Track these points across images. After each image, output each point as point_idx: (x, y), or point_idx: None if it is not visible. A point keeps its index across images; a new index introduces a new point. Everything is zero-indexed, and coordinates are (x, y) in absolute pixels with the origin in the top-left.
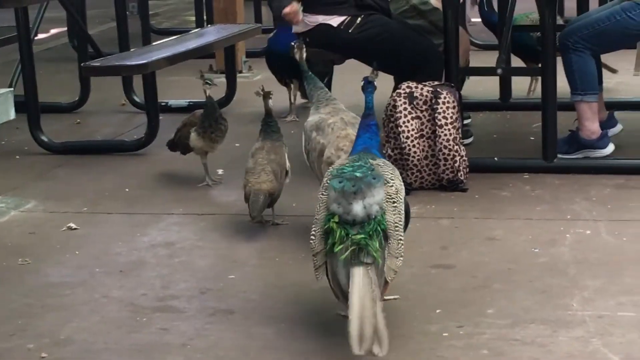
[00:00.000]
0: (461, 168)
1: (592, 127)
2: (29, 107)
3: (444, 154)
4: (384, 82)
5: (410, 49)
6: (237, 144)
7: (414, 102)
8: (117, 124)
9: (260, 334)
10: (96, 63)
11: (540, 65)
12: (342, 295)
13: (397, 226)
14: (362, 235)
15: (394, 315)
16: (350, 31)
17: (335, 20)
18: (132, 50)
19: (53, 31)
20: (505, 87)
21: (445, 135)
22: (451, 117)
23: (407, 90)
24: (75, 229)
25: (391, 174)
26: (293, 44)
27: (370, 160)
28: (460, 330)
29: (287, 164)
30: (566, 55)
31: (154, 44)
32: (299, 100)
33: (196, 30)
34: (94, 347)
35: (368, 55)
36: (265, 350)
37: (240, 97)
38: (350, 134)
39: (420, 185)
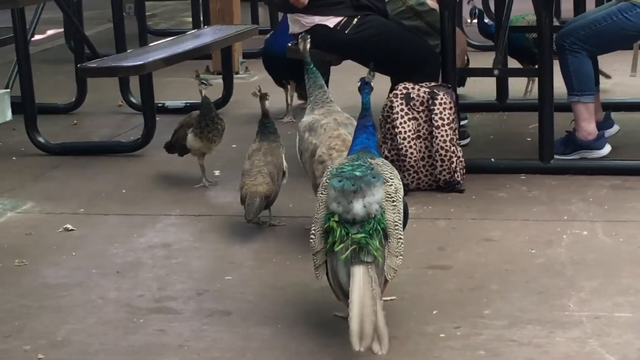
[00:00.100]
0: (458, 169)
1: (588, 128)
2: (26, 108)
3: (440, 155)
4: (381, 83)
5: (407, 50)
6: (233, 145)
7: (411, 103)
8: (113, 125)
9: (258, 335)
10: (93, 64)
11: (536, 66)
12: (342, 294)
13: (396, 225)
14: (362, 234)
15: (391, 316)
16: (346, 32)
17: (331, 21)
18: (128, 51)
19: (50, 32)
20: (502, 88)
21: (442, 136)
22: (448, 118)
23: (404, 91)
24: (72, 230)
25: (390, 173)
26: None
27: (369, 160)
28: (457, 331)
29: (284, 165)
30: (563, 56)
31: (150, 45)
32: (296, 101)
33: (193, 31)
34: (91, 349)
35: (365, 56)
36: (262, 351)
37: (237, 98)
38: (343, 134)
39: (417, 186)
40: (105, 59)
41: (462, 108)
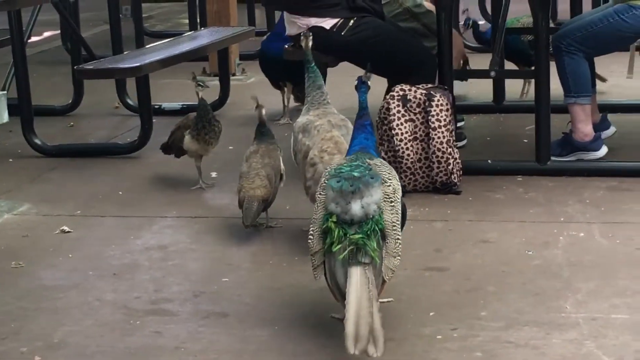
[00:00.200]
0: (455, 170)
1: (585, 129)
2: (22, 110)
3: (437, 156)
4: (377, 85)
5: (403, 52)
6: (230, 147)
7: (408, 105)
8: (110, 126)
9: (254, 337)
10: (89, 66)
11: (532, 67)
12: (340, 295)
13: (394, 225)
14: (360, 235)
15: (387, 318)
16: (343, 34)
17: (327, 23)
18: (125, 53)
19: (46, 34)
20: (498, 89)
21: (439, 137)
22: (444, 120)
23: (401, 93)
24: (68, 232)
25: (388, 173)
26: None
27: (368, 160)
28: (454, 333)
29: (282, 167)
30: (559, 58)
31: (147, 46)
32: (292, 103)
33: (189, 33)
34: (87, 350)
35: (361, 58)
36: (259, 353)
37: (234, 100)
38: (335, 136)
39: (414, 187)
40: (101, 60)
41: (459, 110)
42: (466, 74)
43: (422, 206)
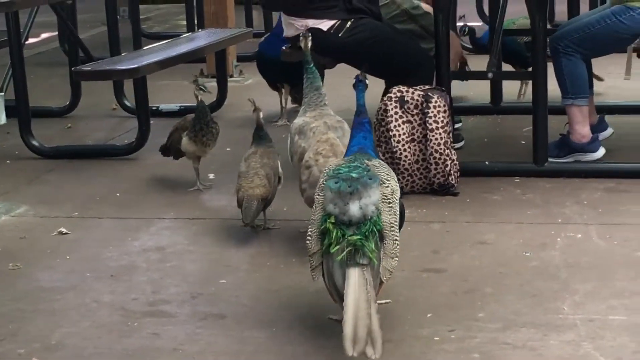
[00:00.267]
0: (452, 172)
1: (582, 130)
2: (20, 111)
3: (435, 158)
4: (375, 86)
5: (401, 53)
6: (228, 149)
7: (405, 106)
8: (108, 128)
9: (252, 338)
10: (87, 67)
11: (529, 69)
12: (338, 296)
13: (392, 226)
14: (358, 236)
15: (385, 319)
16: (340, 35)
17: (325, 24)
18: (123, 54)
19: (44, 35)
20: (496, 91)
21: (436, 139)
22: (442, 121)
23: (398, 94)
24: (66, 233)
25: (387, 174)
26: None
27: (366, 161)
28: (451, 334)
29: (280, 170)
30: (557, 59)
31: (144, 48)
32: (290, 104)
33: (187, 34)
34: (85, 352)
35: (358, 59)
36: (257, 355)
37: (231, 101)
38: (331, 138)
39: (411, 189)
40: (99, 62)
41: (457, 111)
42: (464, 75)
43: (420, 207)
